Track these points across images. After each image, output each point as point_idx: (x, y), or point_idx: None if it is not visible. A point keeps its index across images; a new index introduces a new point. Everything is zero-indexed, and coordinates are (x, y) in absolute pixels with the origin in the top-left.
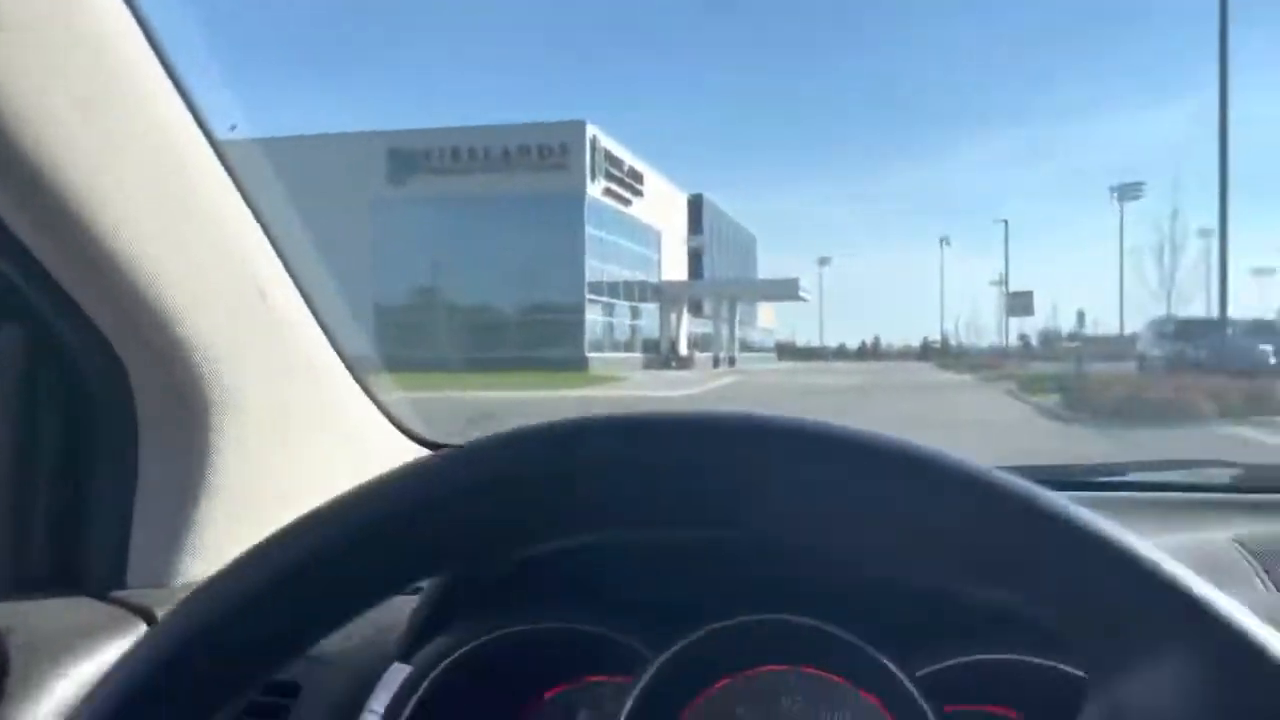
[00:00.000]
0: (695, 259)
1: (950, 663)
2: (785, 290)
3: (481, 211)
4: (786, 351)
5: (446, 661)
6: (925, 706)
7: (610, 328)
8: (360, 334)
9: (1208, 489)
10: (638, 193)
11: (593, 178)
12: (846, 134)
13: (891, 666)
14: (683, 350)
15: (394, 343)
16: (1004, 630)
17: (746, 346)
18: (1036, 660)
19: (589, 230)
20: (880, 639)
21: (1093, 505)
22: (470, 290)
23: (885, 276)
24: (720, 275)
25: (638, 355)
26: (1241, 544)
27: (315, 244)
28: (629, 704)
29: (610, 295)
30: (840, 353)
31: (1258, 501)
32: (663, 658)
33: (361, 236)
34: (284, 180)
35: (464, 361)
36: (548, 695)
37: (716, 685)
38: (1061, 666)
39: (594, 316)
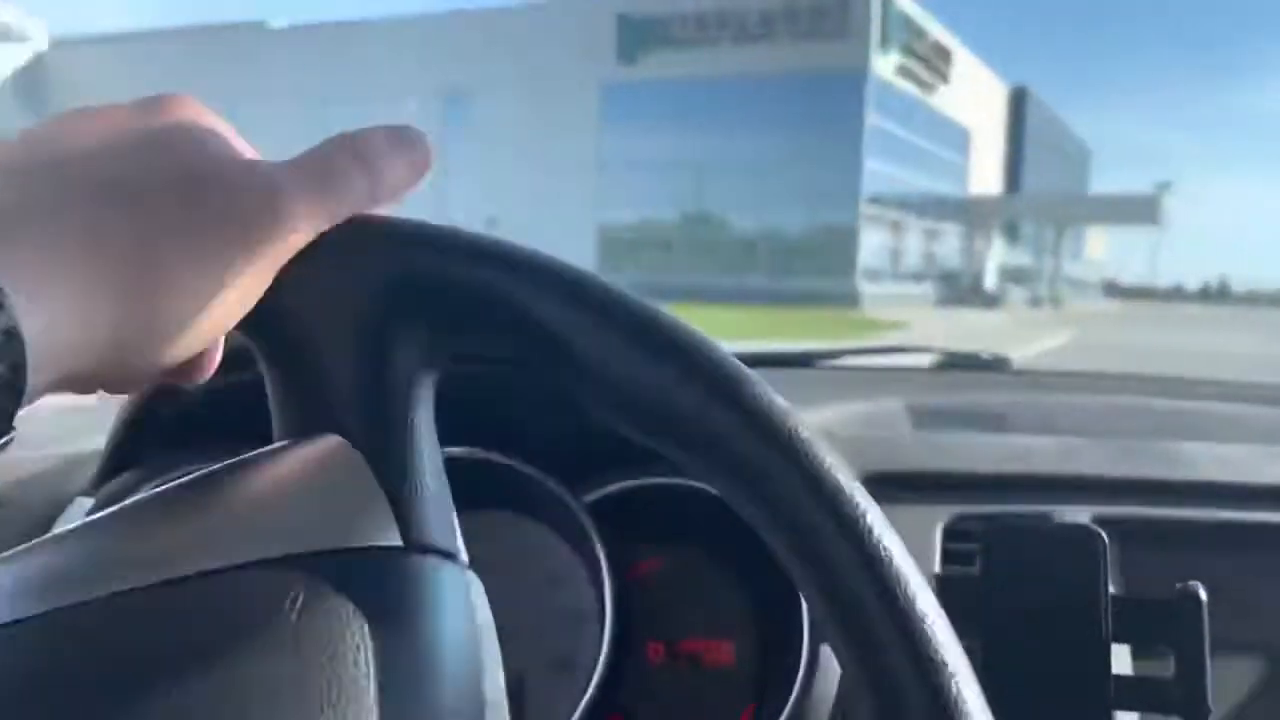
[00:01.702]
0: (1012, 169)
1: (616, 487)
2: (1138, 211)
3: (731, 96)
4: (1114, 291)
5: (131, 499)
6: (593, 532)
7: (894, 254)
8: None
9: (907, 368)
10: (943, 76)
11: (882, 49)
12: (1209, 37)
13: (562, 494)
14: (989, 284)
15: (621, 264)
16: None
17: (1069, 282)
18: (695, 484)
19: (872, 120)
20: (553, 469)
21: (803, 380)
22: (710, 198)
23: (1233, 210)
24: (1045, 191)
25: (927, 289)
26: (909, 407)
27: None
28: None
29: (899, 209)
30: (1178, 294)
31: (950, 380)
32: None
33: (584, 132)
34: (490, 65)
35: (685, 291)
36: None
37: None
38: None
39: (874, 237)
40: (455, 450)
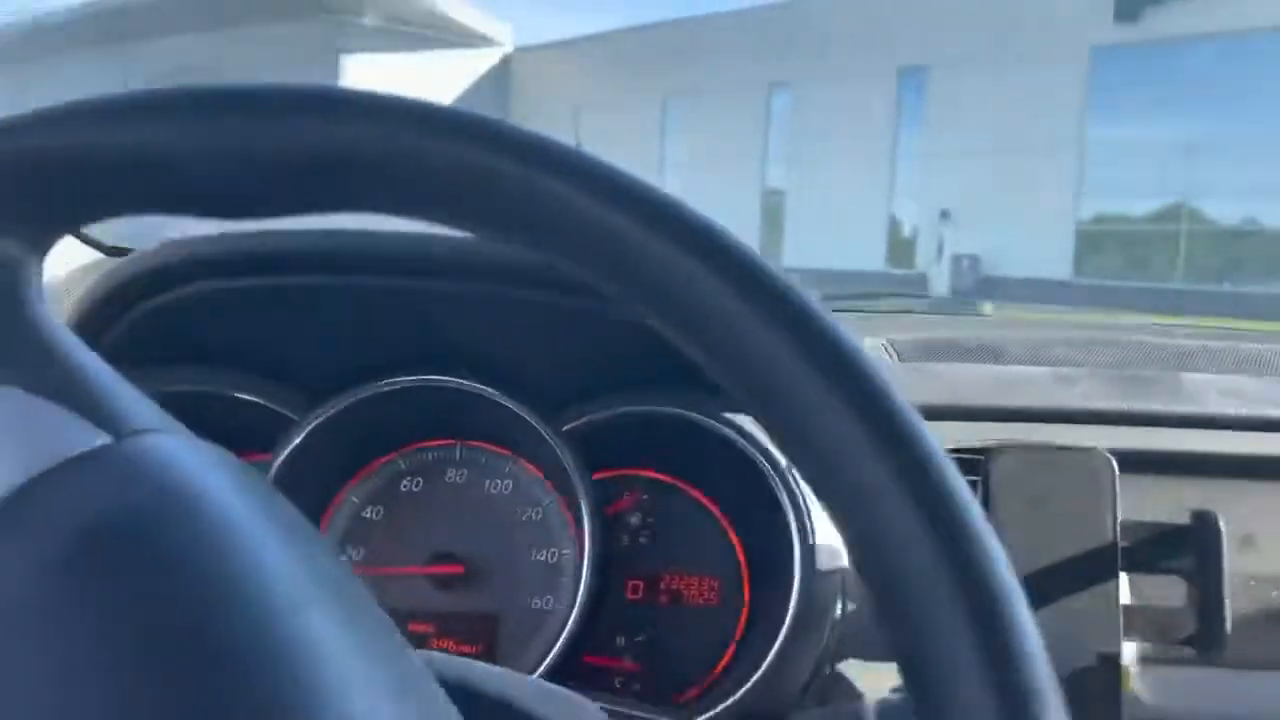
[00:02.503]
0: None
1: (594, 417)
2: None
3: (1246, 59)
4: None
5: None
6: (567, 463)
7: None
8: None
9: (904, 311)
10: None
11: None
12: None
13: (535, 423)
14: None
15: (1090, 265)
16: (646, 386)
17: None
18: (677, 411)
19: None
20: (528, 399)
21: None
22: (1197, 185)
23: None
24: None
25: None
26: (890, 341)
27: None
28: (272, 473)
29: None
30: None
31: (935, 321)
32: (310, 422)
33: (1065, 107)
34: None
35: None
36: None
37: (378, 461)
38: (692, 415)
39: None
40: (432, 378)
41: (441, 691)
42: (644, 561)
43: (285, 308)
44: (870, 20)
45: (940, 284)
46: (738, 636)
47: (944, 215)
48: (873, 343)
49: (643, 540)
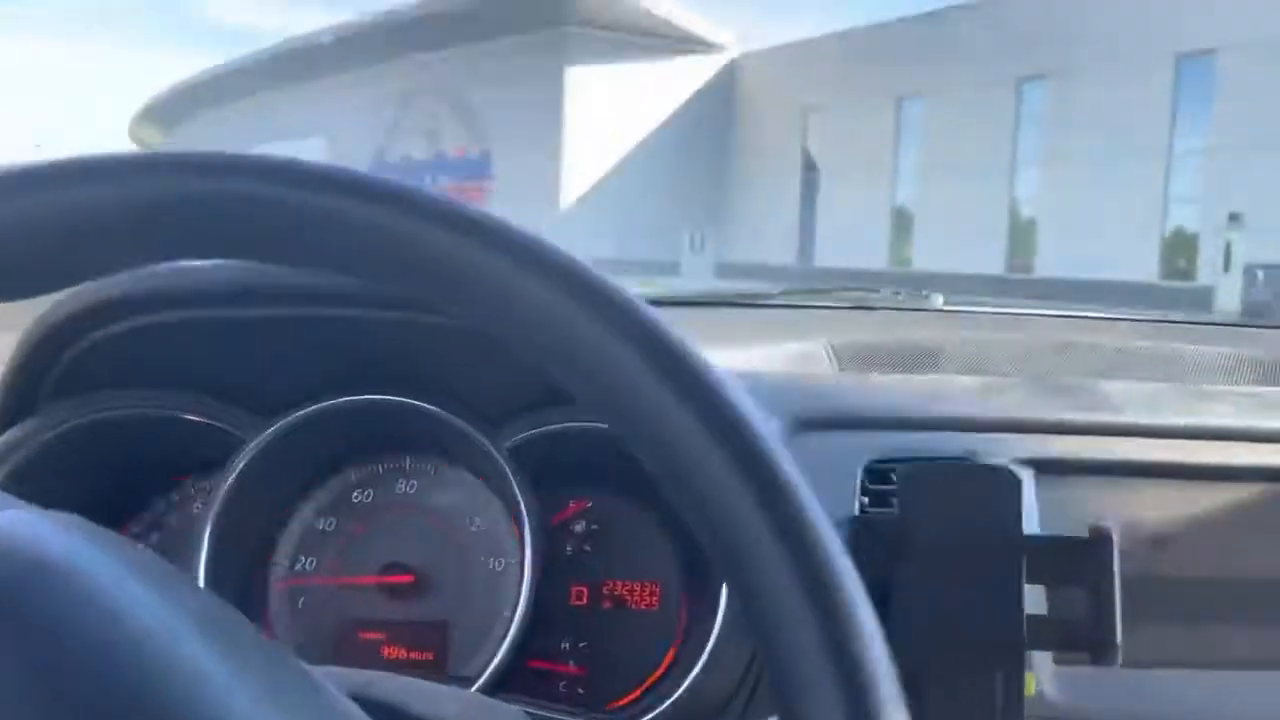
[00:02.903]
0: None
1: (537, 431)
2: None
3: None
4: None
5: (18, 455)
6: (512, 476)
7: None
8: None
9: (837, 307)
10: None
11: None
12: None
13: (481, 438)
14: None
15: None
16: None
17: None
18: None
19: None
20: (473, 414)
21: (734, 321)
22: None
23: None
24: None
25: None
26: (835, 346)
27: None
28: (221, 495)
29: None
30: None
31: (879, 319)
32: (260, 440)
33: None
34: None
35: None
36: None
37: (330, 475)
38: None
39: None
40: (381, 398)
41: (342, 706)
42: (588, 568)
43: (227, 336)
44: (1143, 2)
45: (1229, 298)
46: (678, 639)
47: (1233, 219)
48: (815, 345)
49: (586, 548)
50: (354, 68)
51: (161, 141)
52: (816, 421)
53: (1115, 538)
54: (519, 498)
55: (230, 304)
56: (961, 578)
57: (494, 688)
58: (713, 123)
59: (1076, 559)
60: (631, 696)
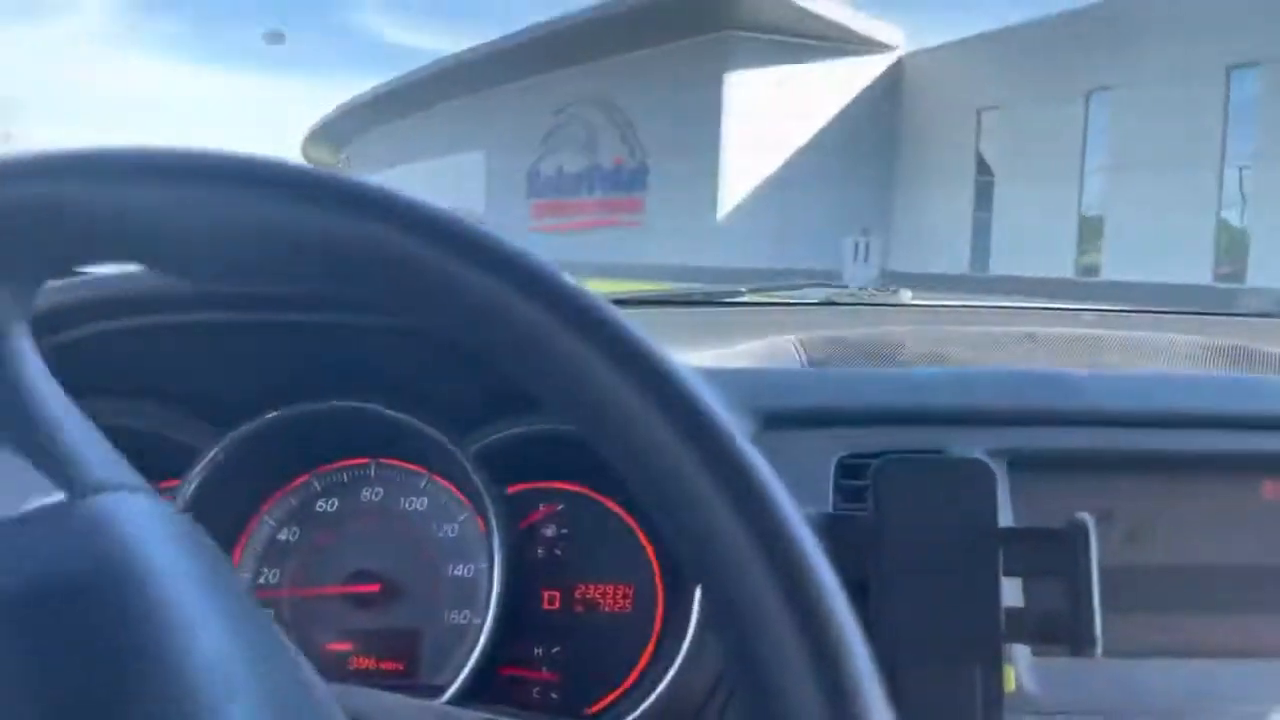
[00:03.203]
0: None
1: (504, 434)
2: None
3: None
4: None
5: None
6: (478, 480)
7: None
8: None
9: (805, 303)
10: None
11: None
12: None
13: (445, 442)
14: None
15: None
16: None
17: None
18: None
19: None
20: (438, 418)
21: (702, 319)
22: None
23: None
24: None
25: None
26: (803, 341)
27: None
28: (181, 502)
29: None
30: None
31: (844, 315)
32: (217, 451)
33: None
34: None
35: None
36: None
37: (295, 481)
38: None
39: None
40: (342, 403)
41: None
42: (559, 572)
43: (182, 342)
44: None
45: None
46: (653, 641)
47: None
48: (783, 342)
49: (558, 551)
50: (511, 81)
51: (332, 161)
52: (787, 418)
53: (1091, 528)
54: (487, 502)
55: (186, 309)
56: (938, 573)
57: (466, 696)
58: (878, 125)
59: (1053, 550)
60: (607, 701)
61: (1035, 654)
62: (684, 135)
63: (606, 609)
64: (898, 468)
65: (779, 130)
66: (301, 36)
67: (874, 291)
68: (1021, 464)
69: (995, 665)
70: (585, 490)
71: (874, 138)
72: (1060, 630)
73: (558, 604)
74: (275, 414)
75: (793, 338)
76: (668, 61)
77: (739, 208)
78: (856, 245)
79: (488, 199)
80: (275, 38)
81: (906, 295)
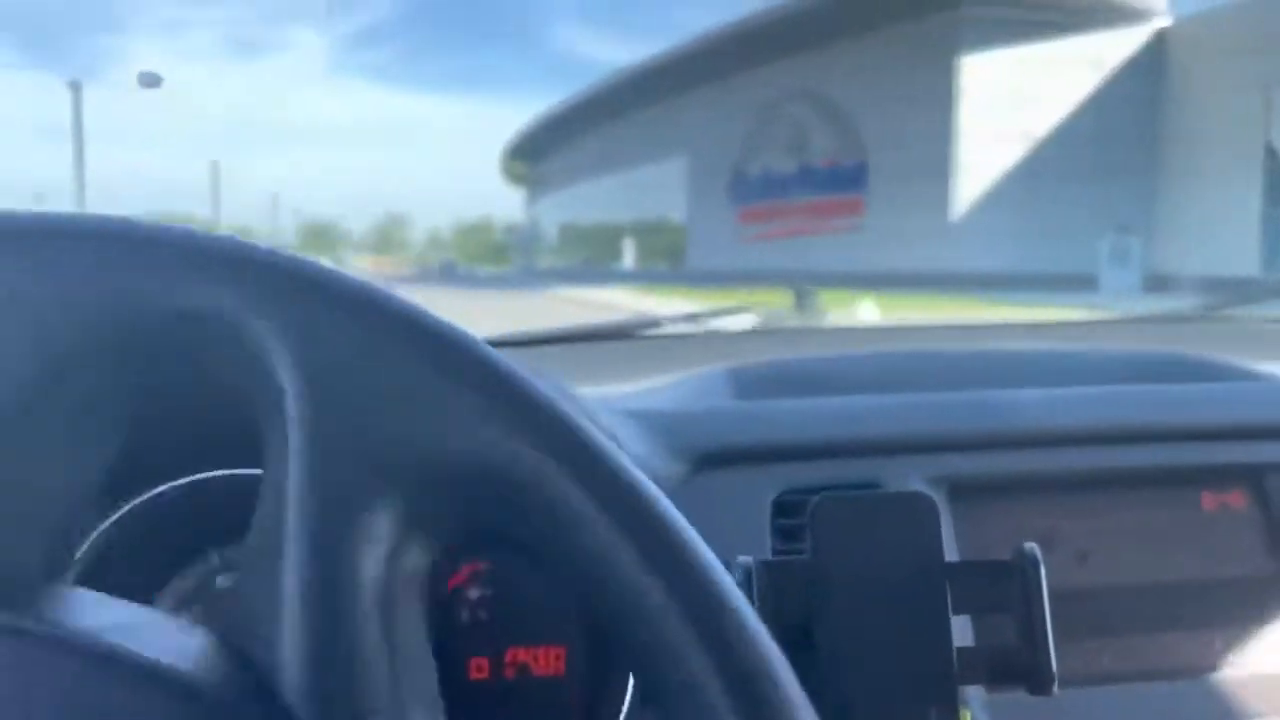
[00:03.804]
0: None
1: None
2: None
3: None
4: None
5: None
6: None
7: None
8: None
9: (735, 331)
10: None
11: None
12: None
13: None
14: None
15: None
16: None
17: None
18: None
19: None
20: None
21: (623, 352)
22: None
23: None
24: None
25: None
26: (731, 373)
27: None
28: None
29: None
30: None
31: (769, 342)
32: (103, 530)
33: None
34: None
35: None
36: None
37: (189, 563)
38: None
39: None
40: (233, 472)
41: None
42: (487, 638)
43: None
44: None
45: None
46: (587, 705)
47: None
48: (715, 375)
49: (483, 615)
50: (714, 80)
51: (529, 174)
52: (718, 456)
53: (1039, 558)
54: None
55: None
56: (885, 614)
57: None
58: (1137, 108)
59: (1002, 583)
60: None
61: (989, 691)
62: (909, 128)
63: (537, 673)
64: (836, 506)
65: (1021, 119)
66: (494, 51)
67: (800, 314)
68: (962, 491)
69: (950, 706)
70: (510, 546)
71: (1133, 122)
72: (1016, 669)
73: (486, 672)
74: (165, 487)
75: (721, 369)
76: (887, 49)
77: (976, 206)
78: (1114, 246)
79: (690, 207)
80: (151, 79)
81: (829, 319)
